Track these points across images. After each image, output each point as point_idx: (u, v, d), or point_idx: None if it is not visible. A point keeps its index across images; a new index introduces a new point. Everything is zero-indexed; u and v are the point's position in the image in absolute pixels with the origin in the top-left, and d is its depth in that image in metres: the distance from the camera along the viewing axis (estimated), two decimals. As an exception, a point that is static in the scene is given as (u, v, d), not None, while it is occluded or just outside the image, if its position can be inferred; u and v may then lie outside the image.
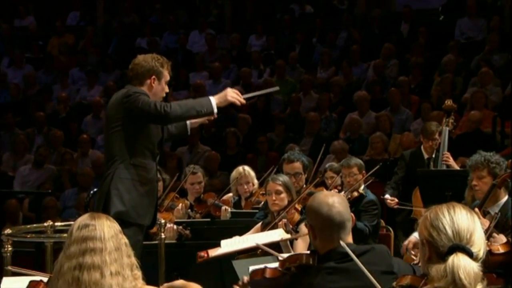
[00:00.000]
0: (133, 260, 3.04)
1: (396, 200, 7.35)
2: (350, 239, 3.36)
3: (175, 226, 5.80)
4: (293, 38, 13.21)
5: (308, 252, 3.39)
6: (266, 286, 3.50)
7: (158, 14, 14.74)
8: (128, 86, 5.00)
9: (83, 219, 3.05)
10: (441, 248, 2.68)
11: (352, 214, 3.40)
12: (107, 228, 3.02)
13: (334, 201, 3.34)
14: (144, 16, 14.90)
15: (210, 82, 12.52)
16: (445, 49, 11.54)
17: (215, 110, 4.89)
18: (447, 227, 2.70)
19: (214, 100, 4.91)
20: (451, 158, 7.45)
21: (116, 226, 3.06)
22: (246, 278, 3.57)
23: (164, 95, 5.05)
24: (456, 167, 7.39)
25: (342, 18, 13.10)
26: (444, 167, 7.43)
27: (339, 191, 6.37)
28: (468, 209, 2.78)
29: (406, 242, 5.12)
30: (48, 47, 14.40)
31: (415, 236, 5.33)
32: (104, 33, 14.66)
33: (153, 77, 4.96)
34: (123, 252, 3.01)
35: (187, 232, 5.70)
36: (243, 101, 5.03)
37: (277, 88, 5.41)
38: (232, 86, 12.15)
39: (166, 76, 5.02)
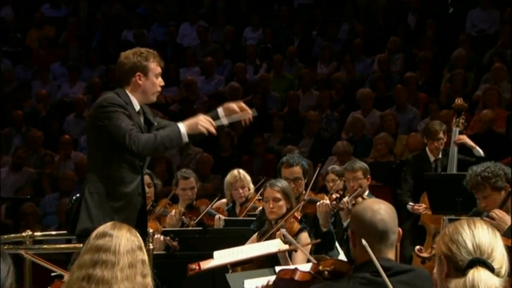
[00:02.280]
0: (149, 281, 3.03)
1: (424, 205, 7.39)
2: (391, 254, 3.30)
3: (161, 237, 5.77)
4: (291, 30, 13.20)
5: (346, 259, 3.38)
6: None
7: (146, 5, 14.71)
8: (117, 89, 4.96)
9: (104, 227, 3.08)
10: (460, 263, 2.68)
11: (400, 229, 3.35)
12: (124, 241, 3.02)
13: (380, 208, 3.31)
14: (130, 6, 14.87)
15: (202, 78, 12.51)
16: (455, 43, 11.55)
17: (185, 140, 4.83)
18: (467, 241, 2.70)
19: (183, 128, 4.80)
20: (465, 137, 7.48)
21: (136, 241, 3.05)
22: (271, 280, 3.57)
23: (159, 89, 4.97)
24: (474, 144, 7.44)
25: (344, 9, 13.09)
26: (455, 159, 7.43)
27: (341, 196, 6.36)
28: (489, 225, 2.78)
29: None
30: (27, 40, 14.36)
31: None
32: (87, 25, 14.63)
33: (138, 74, 4.88)
34: (137, 270, 3.00)
35: (175, 243, 5.68)
36: (214, 131, 4.88)
37: (253, 112, 5.07)
38: (226, 83, 12.29)
39: (155, 68, 4.92)
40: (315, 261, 3.69)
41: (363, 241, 3.17)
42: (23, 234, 5.20)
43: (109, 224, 3.09)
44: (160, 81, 4.96)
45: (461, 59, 11.09)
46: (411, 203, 7.47)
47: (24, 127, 11.86)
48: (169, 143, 4.81)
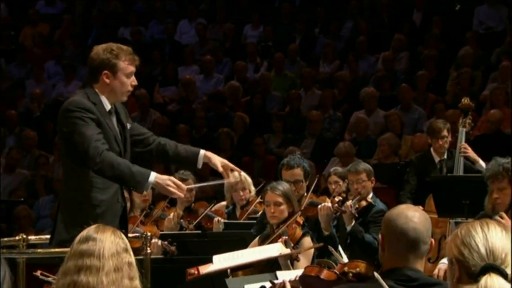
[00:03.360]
0: (136, 283, 3.02)
1: (421, 207, 7.36)
2: (420, 265, 3.26)
3: (159, 242, 5.77)
4: (293, 28, 13.20)
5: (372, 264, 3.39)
6: (316, 287, 3.52)
7: (143, 2, 14.72)
8: (87, 88, 4.83)
9: (87, 231, 3.06)
10: (473, 268, 2.67)
11: (432, 240, 3.30)
12: (109, 245, 3.01)
13: (414, 216, 3.26)
14: (127, 3, 14.87)
15: (201, 77, 12.50)
16: (462, 41, 11.55)
17: (145, 192, 4.72)
18: (480, 245, 2.69)
19: (153, 179, 4.60)
20: (469, 149, 7.47)
21: (121, 243, 3.04)
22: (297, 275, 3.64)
23: (130, 88, 4.79)
24: (477, 158, 7.42)
25: (347, 6, 13.09)
26: (461, 162, 7.42)
27: (343, 199, 6.35)
28: (503, 226, 2.76)
29: (436, 271, 5.10)
30: (21, 38, 14.36)
31: (445, 263, 5.33)
32: (83, 23, 14.63)
33: (105, 72, 4.71)
34: (124, 274, 2.99)
35: (173, 248, 5.68)
36: (182, 196, 4.81)
37: (223, 181, 5.07)
38: (225, 82, 12.29)
39: (125, 68, 4.73)
40: (344, 262, 3.72)
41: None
42: (16, 238, 5.18)
43: (92, 227, 3.08)
44: (132, 81, 4.77)
45: (468, 58, 11.08)
46: None
47: (18, 127, 11.86)
48: (131, 182, 4.63)
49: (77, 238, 3.05)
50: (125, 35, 13.74)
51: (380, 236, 3.33)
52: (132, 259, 3.04)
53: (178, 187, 4.64)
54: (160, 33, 13.84)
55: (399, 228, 3.23)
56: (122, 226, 4.81)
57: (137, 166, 4.67)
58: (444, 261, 5.30)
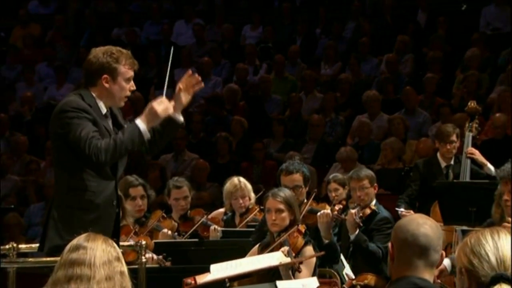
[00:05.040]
0: None
1: (412, 212, 7.35)
2: (429, 274, 3.23)
3: (154, 256, 5.77)
4: (293, 29, 13.23)
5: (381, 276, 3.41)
6: None
7: (139, 2, 14.74)
8: (82, 90, 4.84)
9: (77, 239, 3.08)
10: (483, 278, 2.68)
11: (443, 252, 3.29)
12: (100, 253, 3.02)
13: (426, 223, 3.26)
14: (122, 3, 14.90)
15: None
16: (469, 42, 11.56)
17: (148, 136, 4.69)
18: (490, 254, 2.70)
19: (142, 124, 4.66)
20: (477, 152, 7.47)
21: (112, 252, 3.05)
22: None
23: (128, 93, 4.83)
24: (485, 161, 7.42)
25: (350, 6, 13.11)
26: (468, 168, 7.43)
27: (344, 207, 6.34)
28: None
29: None
30: (11, 39, 14.38)
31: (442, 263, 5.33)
32: (75, 23, 14.65)
33: (105, 76, 4.73)
34: (116, 283, 3.00)
35: (168, 264, 5.69)
36: (171, 111, 4.79)
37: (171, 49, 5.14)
38: (224, 84, 12.30)
39: (125, 72, 4.76)
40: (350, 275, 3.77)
41: None
42: (7, 246, 5.17)
43: (83, 236, 3.09)
44: (131, 85, 4.80)
45: (474, 60, 11.09)
46: (401, 209, 7.38)
47: (8, 131, 11.86)
48: (131, 144, 4.66)
49: (67, 247, 3.07)
50: (120, 36, 13.76)
51: (389, 245, 3.33)
52: (125, 268, 3.06)
53: (162, 102, 4.72)
54: (156, 34, 13.85)
55: (410, 233, 3.23)
56: (114, 234, 4.81)
57: (121, 132, 4.71)
58: (443, 261, 5.31)
